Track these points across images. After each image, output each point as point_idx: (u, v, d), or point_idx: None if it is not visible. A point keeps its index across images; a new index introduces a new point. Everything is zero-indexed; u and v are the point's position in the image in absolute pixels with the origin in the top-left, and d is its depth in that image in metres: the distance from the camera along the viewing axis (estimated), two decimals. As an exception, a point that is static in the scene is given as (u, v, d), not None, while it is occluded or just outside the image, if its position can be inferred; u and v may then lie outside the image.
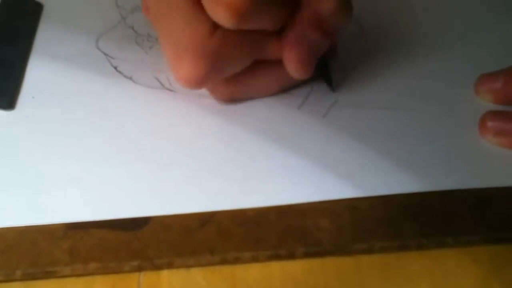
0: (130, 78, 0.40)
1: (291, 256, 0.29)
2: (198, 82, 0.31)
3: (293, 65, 0.32)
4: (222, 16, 0.28)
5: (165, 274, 0.29)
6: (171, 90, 0.39)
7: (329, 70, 0.37)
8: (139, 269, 0.29)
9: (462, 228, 0.30)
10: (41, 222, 0.30)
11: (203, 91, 0.37)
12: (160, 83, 0.39)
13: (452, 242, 0.30)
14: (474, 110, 0.36)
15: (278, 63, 0.33)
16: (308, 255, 0.30)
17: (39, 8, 0.46)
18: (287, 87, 0.37)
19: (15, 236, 0.30)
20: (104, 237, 0.30)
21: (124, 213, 0.31)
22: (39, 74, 0.40)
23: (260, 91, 0.36)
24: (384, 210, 0.31)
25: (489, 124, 0.33)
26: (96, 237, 0.30)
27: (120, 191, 0.32)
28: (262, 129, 0.36)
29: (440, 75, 0.38)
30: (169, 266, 0.29)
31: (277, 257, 0.29)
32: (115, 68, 0.41)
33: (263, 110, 0.37)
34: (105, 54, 0.42)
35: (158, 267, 0.29)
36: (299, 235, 0.30)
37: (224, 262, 0.29)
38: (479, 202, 0.31)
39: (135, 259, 0.29)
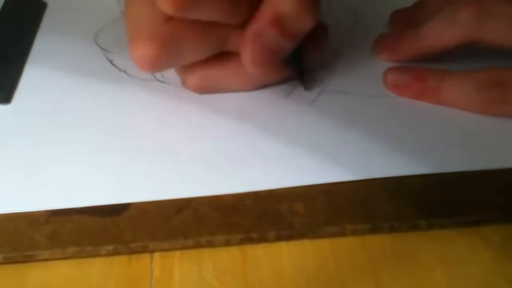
0: (125, 71, 0.39)
1: (263, 239, 0.28)
2: (151, 64, 0.30)
3: (247, 61, 0.30)
4: (162, 4, 0.27)
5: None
6: (162, 82, 0.38)
7: (302, 70, 0.35)
8: (115, 252, 0.27)
9: (435, 211, 0.29)
10: (26, 209, 0.29)
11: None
12: (153, 75, 0.39)
13: (425, 225, 0.28)
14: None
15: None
16: (279, 238, 0.28)
17: (43, 6, 0.45)
18: (260, 85, 0.35)
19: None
20: (84, 222, 0.28)
21: (106, 200, 0.29)
22: (38, 69, 0.39)
23: (230, 85, 0.35)
24: (359, 194, 0.29)
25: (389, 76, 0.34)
26: (77, 223, 0.28)
27: (104, 179, 0.31)
28: (246, 118, 0.34)
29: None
30: (144, 249, 0.27)
31: (249, 240, 0.28)
32: (111, 61, 0.40)
33: (249, 100, 0.35)
34: (102, 49, 0.41)
35: (133, 251, 0.28)
36: (272, 219, 0.28)
37: (197, 245, 0.27)
38: (454, 185, 0.29)
39: (111, 243, 0.27)
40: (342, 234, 0.28)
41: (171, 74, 0.37)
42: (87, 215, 0.29)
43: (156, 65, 0.30)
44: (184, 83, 0.35)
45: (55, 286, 0.27)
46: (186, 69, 0.33)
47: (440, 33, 0.33)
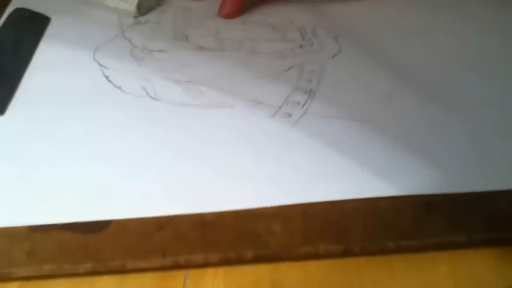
0: (119, 87, 0.39)
1: (240, 259, 0.27)
2: None
3: None
4: None
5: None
6: (155, 99, 0.38)
7: None
8: (93, 271, 0.27)
9: (403, 233, 0.28)
10: (6, 224, 0.29)
11: (185, 100, 0.37)
12: (146, 91, 0.39)
13: (394, 247, 0.28)
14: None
15: None
16: (256, 258, 0.27)
17: (46, 21, 0.46)
18: None
19: None
20: (64, 239, 0.28)
21: (88, 216, 0.29)
22: (34, 83, 0.39)
23: None
24: (334, 215, 0.29)
25: None
26: (56, 240, 0.28)
27: (86, 195, 0.30)
28: (232, 136, 0.34)
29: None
30: (122, 268, 0.27)
31: (226, 260, 0.27)
32: (107, 77, 0.40)
33: (237, 118, 0.36)
34: (100, 65, 0.41)
35: (112, 270, 0.27)
36: (250, 238, 0.28)
37: (175, 265, 0.27)
38: (424, 208, 0.29)
39: (89, 261, 0.27)
40: (316, 254, 0.28)
41: (163, 92, 0.37)
42: (68, 231, 0.29)
43: None
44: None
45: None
46: None
47: None
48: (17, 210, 0.30)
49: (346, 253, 0.28)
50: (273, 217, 0.29)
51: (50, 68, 0.41)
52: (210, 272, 0.28)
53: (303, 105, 0.36)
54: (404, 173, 0.31)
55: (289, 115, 0.36)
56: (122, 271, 0.28)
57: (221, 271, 0.28)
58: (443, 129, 0.34)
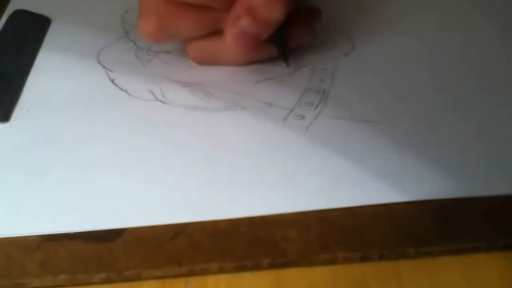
0: (126, 91, 0.40)
1: (257, 267, 0.28)
2: (151, 35, 0.36)
3: (229, 42, 0.35)
4: None
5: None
6: (163, 102, 0.39)
7: (284, 50, 0.38)
8: (108, 281, 0.27)
9: (424, 239, 0.29)
10: (18, 234, 0.30)
11: (194, 103, 0.38)
12: (153, 95, 0.39)
13: (414, 253, 0.28)
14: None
15: None
16: (273, 266, 0.28)
17: (46, 23, 0.46)
18: (248, 61, 0.39)
19: None
20: (77, 249, 0.28)
21: (101, 224, 0.30)
22: (38, 87, 0.39)
23: (221, 59, 0.39)
24: (351, 221, 0.29)
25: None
26: (69, 249, 0.28)
27: (99, 203, 0.31)
28: (244, 140, 0.34)
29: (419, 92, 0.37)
30: (138, 277, 0.27)
31: (243, 268, 0.28)
32: (112, 81, 0.40)
33: (248, 121, 0.36)
34: (104, 67, 0.42)
35: (126, 279, 0.28)
36: (266, 246, 0.28)
37: (191, 273, 0.28)
38: (442, 213, 0.30)
39: (104, 271, 0.27)
40: (333, 261, 0.28)
41: (171, 95, 0.38)
42: (81, 241, 0.29)
43: (156, 37, 0.36)
44: (186, 53, 0.39)
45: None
46: (187, 41, 0.38)
47: None
48: (28, 219, 0.30)
49: (364, 260, 0.28)
50: (289, 223, 0.30)
51: (54, 71, 0.41)
52: (211, 279, 0.28)
53: (316, 106, 0.37)
54: (420, 177, 0.32)
55: (302, 117, 0.36)
56: (136, 279, 0.28)
57: (223, 278, 0.28)
58: (459, 132, 0.34)
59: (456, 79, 0.38)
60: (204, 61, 0.39)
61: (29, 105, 0.38)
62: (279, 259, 0.28)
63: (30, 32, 0.44)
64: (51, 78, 0.40)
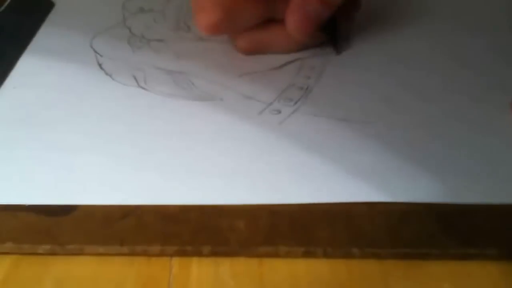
0: (110, 76, 0.42)
1: (197, 253, 0.29)
2: (213, 28, 0.38)
3: (292, 28, 0.38)
4: None
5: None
6: (144, 89, 0.41)
7: (337, 33, 0.41)
8: (52, 252, 0.30)
9: (371, 240, 0.30)
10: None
11: (174, 91, 0.39)
12: (136, 81, 0.41)
13: (359, 254, 0.29)
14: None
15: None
16: (214, 253, 0.29)
17: (49, 6, 0.49)
18: (300, 48, 0.42)
19: None
20: (28, 220, 0.30)
21: (55, 200, 0.32)
22: (28, 67, 0.42)
23: (273, 47, 0.41)
24: (302, 217, 0.31)
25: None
26: (21, 220, 0.31)
27: (58, 179, 0.33)
28: (215, 130, 0.36)
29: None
30: (80, 252, 0.29)
31: (183, 252, 0.29)
32: (100, 65, 0.43)
33: (223, 112, 0.37)
34: (96, 52, 0.44)
35: (68, 252, 0.30)
36: (211, 234, 0.30)
37: (132, 253, 0.29)
38: (396, 218, 0.31)
39: (48, 243, 0.29)
40: (275, 254, 0.29)
41: (153, 81, 0.40)
42: (33, 213, 0.31)
43: (217, 29, 0.38)
44: (235, 45, 0.42)
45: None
46: (237, 33, 0.41)
47: None
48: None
49: (307, 255, 0.29)
50: (239, 214, 0.31)
51: (46, 53, 0.43)
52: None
53: (295, 102, 0.38)
54: (385, 180, 0.33)
55: (279, 112, 0.37)
56: (79, 253, 0.30)
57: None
58: (445, 136, 0.35)
59: (446, 78, 0.39)
60: (254, 51, 0.42)
61: (16, 83, 0.40)
62: (221, 247, 0.29)
63: (32, 14, 0.47)
64: (42, 59, 0.43)
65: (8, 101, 0.39)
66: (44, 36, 0.45)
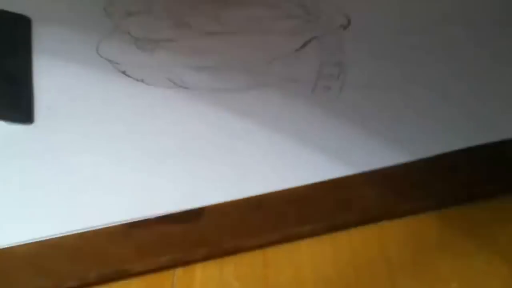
0: (142, 81, 0.41)
1: (344, 225, 0.31)
2: None
3: None
4: None
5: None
6: (185, 88, 0.41)
7: None
8: (209, 256, 0.30)
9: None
10: (101, 224, 0.31)
11: (216, 85, 0.40)
12: (173, 82, 0.41)
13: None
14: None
15: None
16: (361, 222, 0.31)
17: (27, 22, 0.46)
18: None
19: (76, 242, 0.30)
20: (164, 231, 0.30)
21: (180, 206, 0.32)
22: (48, 85, 0.39)
23: None
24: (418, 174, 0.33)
25: None
26: (158, 233, 0.30)
27: (173, 187, 0.33)
28: (279, 116, 0.37)
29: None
30: (236, 249, 0.30)
31: (333, 228, 0.31)
32: (124, 72, 0.42)
33: (280, 97, 0.39)
34: (109, 60, 0.43)
35: (226, 252, 0.30)
36: (347, 206, 0.32)
37: (284, 239, 0.31)
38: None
39: (202, 247, 0.30)
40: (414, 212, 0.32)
41: (191, 80, 0.40)
42: (166, 223, 0.31)
43: None
44: None
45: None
46: None
47: None
48: (113, 208, 0.32)
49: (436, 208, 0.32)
50: (360, 184, 0.33)
51: (57, 69, 0.41)
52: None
53: (337, 77, 0.40)
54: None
55: (329, 88, 0.39)
56: (234, 252, 0.30)
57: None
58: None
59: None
60: None
61: (47, 103, 0.38)
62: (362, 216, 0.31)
63: (16, 32, 0.44)
64: (57, 75, 0.41)
65: (50, 123, 0.38)
66: (42, 53, 0.43)
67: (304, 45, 0.43)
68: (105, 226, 0.31)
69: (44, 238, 0.30)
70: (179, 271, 0.30)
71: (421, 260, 0.30)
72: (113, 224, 0.31)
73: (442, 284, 0.29)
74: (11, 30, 0.44)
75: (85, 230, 0.31)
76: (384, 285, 0.29)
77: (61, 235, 0.31)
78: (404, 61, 0.41)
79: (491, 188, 0.33)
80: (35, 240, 0.30)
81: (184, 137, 0.36)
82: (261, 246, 0.30)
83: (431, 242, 0.30)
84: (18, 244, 0.30)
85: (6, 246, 0.30)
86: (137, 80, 0.40)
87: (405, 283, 0.29)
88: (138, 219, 0.31)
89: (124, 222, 0.31)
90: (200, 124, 0.37)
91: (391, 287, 0.29)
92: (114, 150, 0.35)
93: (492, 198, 0.32)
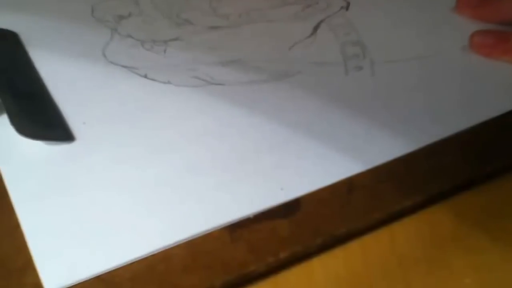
0: (169, 83, 0.39)
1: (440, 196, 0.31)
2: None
3: None
4: None
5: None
6: (220, 84, 0.39)
7: None
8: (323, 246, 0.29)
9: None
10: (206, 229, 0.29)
11: (248, 78, 0.38)
12: (203, 80, 0.39)
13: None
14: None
15: None
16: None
17: (15, 36, 0.42)
18: None
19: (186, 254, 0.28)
20: (272, 227, 0.29)
21: (274, 201, 0.30)
22: (71, 100, 0.37)
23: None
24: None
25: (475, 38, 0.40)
26: (264, 231, 0.29)
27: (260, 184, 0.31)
28: (323, 100, 0.37)
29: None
30: (348, 235, 0.29)
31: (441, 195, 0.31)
32: (145, 76, 0.39)
33: (316, 83, 0.38)
34: (124, 66, 0.40)
35: (341, 240, 0.29)
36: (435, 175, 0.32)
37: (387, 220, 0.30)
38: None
39: (319, 237, 0.29)
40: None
41: (220, 75, 0.39)
42: (266, 220, 0.29)
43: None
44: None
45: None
46: None
47: None
48: (213, 213, 0.30)
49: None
50: (438, 152, 0.33)
51: (70, 82, 0.38)
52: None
53: (364, 56, 0.40)
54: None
55: (361, 68, 0.39)
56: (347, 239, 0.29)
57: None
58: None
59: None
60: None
61: (82, 119, 0.35)
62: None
63: (9, 49, 0.40)
64: (74, 89, 0.38)
65: (92, 138, 0.35)
66: (45, 67, 0.39)
67: (314, 29, 0.42)
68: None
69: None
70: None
71: (435, 255, 0.29)
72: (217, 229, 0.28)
73: (456, 279, 0.29)
74: (4, 47, 0.39)
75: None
76: (398, 282, 0.29)
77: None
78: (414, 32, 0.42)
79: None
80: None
81: (246, 134, 0.35)
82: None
83: (445, 236, 0.30)
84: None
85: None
86: (164, 82, 0.37)
87: (419, 279, 0.29)
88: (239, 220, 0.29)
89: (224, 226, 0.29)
90: (255, 117, 0.35)
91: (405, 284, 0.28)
92: (178, 158, 0.33)
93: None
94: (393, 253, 0.29)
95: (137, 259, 0.28)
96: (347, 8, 0.44)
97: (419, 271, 0.28)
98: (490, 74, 0.38)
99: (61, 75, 0.39)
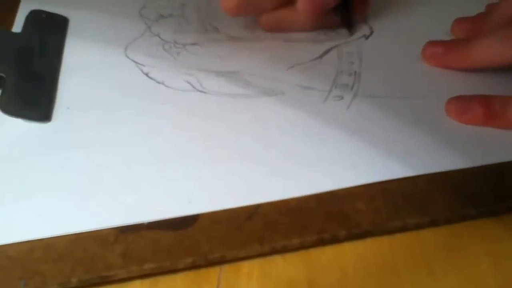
0: (163, 83, 0.41)
1: (334, 240, 0.30)
2: (234, 11, 0.41)
3: (301, 8, 0.40)
4: None
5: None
6: (204, 92, 0.40)
7: (348, 18, 0.42)
8: (193, 266, 0.29)
9: (482, 200, 0.31)
10: (91, 228, 0.31)
11: (233, 90, 0.39)
12: (192, 86, 0.41)
13: (476, 214, 0.31)
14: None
15: None
16: (349, 237, 0.30)
17: (65, 22, 0.47)
18: (316, 27, 0.43)
19: (66, 244, 0.30)
20: (155, 237, 0.30)
21: (175, 213, 0.31)
22: (72, 85, 0.40)
23: (292, 26, 0.43)
24: (413, 189, 0.32)
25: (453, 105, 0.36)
26: (148, 239, 0.30)
27: (167, 192, 0.32)
28: (291, 122, 0.36)
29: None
30: (222, 260, 0.29)
31: (321, 241, 0.30)
32: (146, 74, 0.42)
33: (292, 104, 0.38)
34: (135, 62, 0.43)
35: (211, 262, 0.29)
36: (339, 219, 0.30)
37: (272, 251, 0.30)
38: (496, 176, 0.32)
39: (188, 256, 0.29)
40: (404, 228, 0.30)
41: (209, 84, 0.40)
42: (157, 230, 0.30)
43: (238, 11, 0.41)
44: (258, 23, 0.43)
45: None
46: (260, 14, 0.42)
47: (492, 52, 0.36)
48: (102, 214, 0.32)
49: (432, 224, 0.30)
50: (355, 196, 0.32)
51: (84, 69, 0.42)
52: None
53: (351, 88, 0.38)
54: (470, 145, 0.34)
55: (341, 98, 0.38)
56: (221, 262, 0.29)
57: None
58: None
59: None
60: (275, 29, 0.43)
61: (67, 103, 0.39)
62: (354, 230, 0.30)
63: (50, 31, 0.45)
64: (82, 76, 0.42)
65: (67, 122, 0.38)
66: (72, 52, 0.44)
67: (324, 53, 0.41)
68: (98, 229, 0.30)
69: (37, 238, 0.30)
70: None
71: (453, 242, 0.30)
72: (105, 228, 0.30)
73: (472, 265, 0.29)
74: (47, 30, 0.44)
75: (78, 232, 0.31)
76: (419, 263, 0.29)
77: (55, 235, 0.30)
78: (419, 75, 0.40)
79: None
80: (27, 240, 0.30)
81: (196, 141, 0.36)
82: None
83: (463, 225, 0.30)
84: (12, 242, 0.30)
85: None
86: (158, 82, 0.40)
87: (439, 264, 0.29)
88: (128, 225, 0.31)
89: (114, 227, 0.31)
90: (217, 127, 0.37)
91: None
92: (124, 153, 0.35)
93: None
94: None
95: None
96: (367, 37, 0.43)
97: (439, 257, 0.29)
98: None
99: (81, 63, 0.43)
